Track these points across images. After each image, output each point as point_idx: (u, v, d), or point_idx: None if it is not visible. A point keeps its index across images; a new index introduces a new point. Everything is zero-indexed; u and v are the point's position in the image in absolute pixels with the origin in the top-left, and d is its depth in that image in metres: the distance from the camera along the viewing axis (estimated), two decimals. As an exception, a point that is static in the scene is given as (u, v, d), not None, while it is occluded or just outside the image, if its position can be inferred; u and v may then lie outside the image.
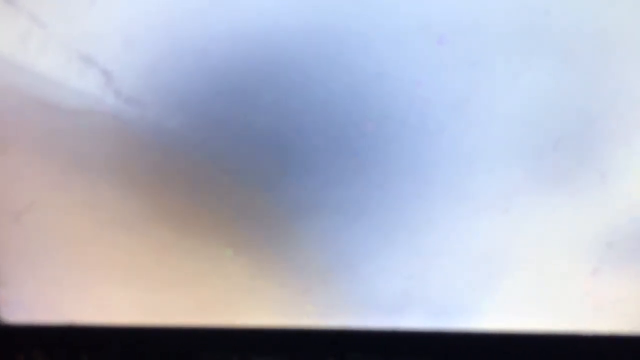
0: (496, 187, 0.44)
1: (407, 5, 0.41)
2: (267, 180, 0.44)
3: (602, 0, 0.40)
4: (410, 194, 0.44)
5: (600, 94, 0.42)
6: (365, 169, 0.43)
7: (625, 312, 0.46)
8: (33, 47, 0.41)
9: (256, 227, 0.45)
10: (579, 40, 0.41)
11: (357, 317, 0.46)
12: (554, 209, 0.44)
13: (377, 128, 0.43)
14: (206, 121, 0.43)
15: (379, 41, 0.41)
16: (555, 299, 0.46)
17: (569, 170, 0.43)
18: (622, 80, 0.41)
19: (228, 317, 0.47)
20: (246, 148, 0.43)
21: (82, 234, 0.45)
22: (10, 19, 0.41)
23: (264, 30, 0.41)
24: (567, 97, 0.42)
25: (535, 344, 0.46)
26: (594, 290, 0.45)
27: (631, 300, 0.46)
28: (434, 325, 0.46)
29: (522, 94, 0.42)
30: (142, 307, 0.47)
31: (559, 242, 0.45)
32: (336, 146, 0.43)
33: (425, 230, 0.45)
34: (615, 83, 0.41)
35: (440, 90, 0.42)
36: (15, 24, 0.41)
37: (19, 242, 0.45)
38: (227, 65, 0.42)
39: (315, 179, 0.44)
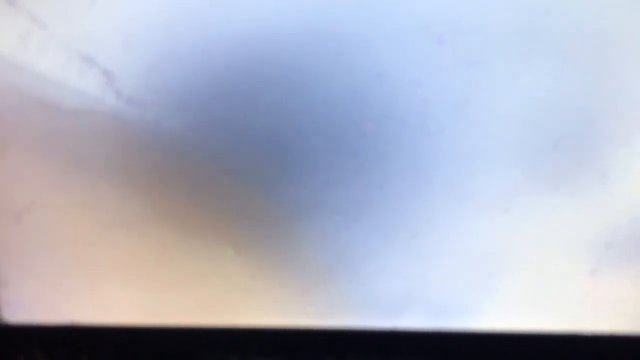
0: (496, 187, 0.44)
1: (407, 5, 0.41)
2: (267, 180, 0.44)
3: (601, 1, 0.40)
4: (410, 194, 0.44)
5: (600, 94, 0.42)
6: (365, 169, 0.43)
7: (625, 312, 0.46)
8: (33, 47, 0.41)
9: (256, 227, 0.45)
10: (578, 40, 0.41)
11: (357, 317, 0.46)
12: (554, 209, 0.44)
13: (377, 128, 0.43)
14: (206, 121, 0.43)
15: (378, 41, 0.41)
16: (554, 299, 0.46)
17: (569, 171, 0.43)
18: (622, 81, 0.41)
19: (228, 317, 0.47)
20: (246, 148, 0.43)
21: (82, 234, 0.45)
22: (10, 19, 0.41)
23: (264, 31, 0.41)
24: (567, 97, 0.42)
25: (535, 344, 0.46)
26: (594, 290, 0.45)
27: (630, 300, 0.46)
28: (434, 325, 0.46)
29: (522, 94, 0.42)
30: (143, 307, 0.47)
31: (558, 242, 0.45)
32: (336, 146, 0.43)
33: (425, 230, 0.45)
34: (615, 83, 0.41)
35: (440, 91, 0.42)
36: (15, 24, 0.41)
37: (19, 242, 0.45)
38: (227, 65, 0.42)
39: (315, 179, 0.44)
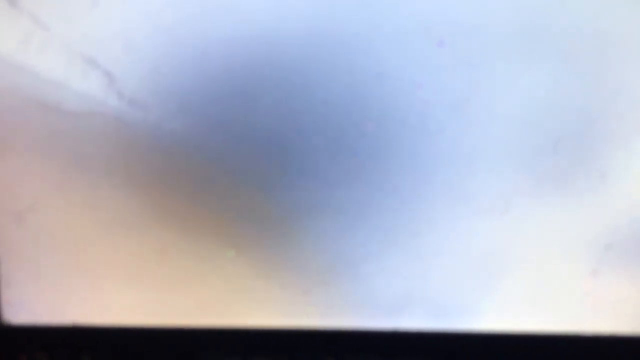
0: (496, 188, 0.44)
1: (407, 7, 0.41)
2: (268, 181, 0.44)
3: (601, 2, 0.40)
4: (411, 194, 0.44)
5: (600, 94, 0.42)
6: (366, 170, 0.44)
7: (625, 313, 0.46)
8: (35, 49, 0.42)
9: (257, 228, 0.45)
10: (578, 41, 0.41)
11: (357, 317, 0.46)
12: (554, 209, 0.44)
13: (377, 129, 0.43)
14: (207, 123, 0.43)
15: (378, 42, 0.41)
16: (554, 299, 0.46)
17: (569, 171, 0.43)
18: (622, 81, 0.41)
19: (229, 318, 0.47)
20: (247, 149, 0.43)
21: (84, 235, 0.45)
22: (12, 20, 0.41)
23: (265, 32, 0.41)
24: (567, 98, 0.42)
25: (535, 344, 0.46)
26: (594, 290, 0.45)
27: (630, 300, 0.45)
28: (435, 325, 0.46)
29: (521, 94, 0.42)
30: (144, 308, 0.47)
31: (558, 242, 0.45)
32: (336, 147, 0.43)
33: (425, 230, 0.45)
34: (614, 83, 0.41)
35: (440, 91, 0.42)
36: (17, 25, 0.41)
37: (20, 243, 0.45)
38: (228, 67, 0.42)
39: (316, 179, 0.44)
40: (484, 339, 0.46)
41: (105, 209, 0.45)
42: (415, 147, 0.43)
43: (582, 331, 0.46)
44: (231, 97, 0.42)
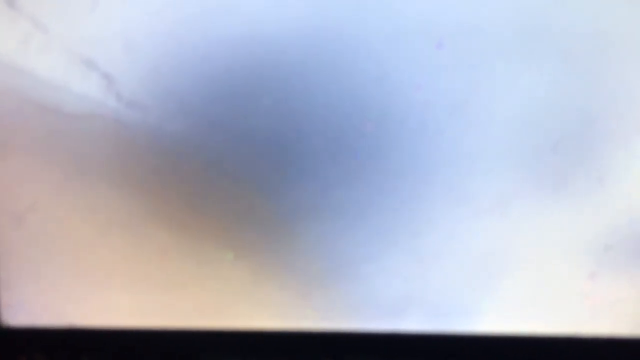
0: (496, 189, 0.44)
1: (407, 8, 0.41)
2: (267, 183, 0.44)
3: (601, 3, 0.40)
4: (410, 195, 0.44)
5: (599, 95, 0.42)
6: (365, 171, 0.44)
7: (624, 314, 0.46)
8: (34, 50, 0.42)
9: (256, 230, 0.45)
10: (577, 42, 0.41)
11: (356, 319, 0.46)
12: (553, 210, 0.44)
13: (377, 130, 0.43)
14: (206, 124, 0.43)
15: (378, 44, 0.41)
16: (554, 300, 0.46)
17: (568, 172, 0.43)
18: (621, 82, 0.41)
19: (228, 320, 0.47)
20: (246, 151, 0.43)
21: (83, 236, 0.45)
22: (11, 22, 0.41)
23: (265, 34, 0.41)
24: (566, 99, 0.42)
25: (535, 346, 0.46)
26: (593, 292, 0.45)
27: (629, 302, 0.45)
28: (434, 327, 0.46)
29: (521, 96, 0.42)
30: (143, 310, 0.47)
31: (558, 244, 0.45)
32: (336, 148, 0.43)
33: (425, 231, 0.45)
34: (614, 84, 0.42)
35: (440, 92, 0.42)
36: (16, 27, 0.41)
37: (20, 245, 0.45)
38: (228, 68, 0.42)
39: (315, 181, 0.44)
40: (484, 341, 0.46)
41: (105, 211, 0.45)
42: (414, 148, 0.43)
43: (581, 332, 0.46)
44: (231, 99, 0.42)
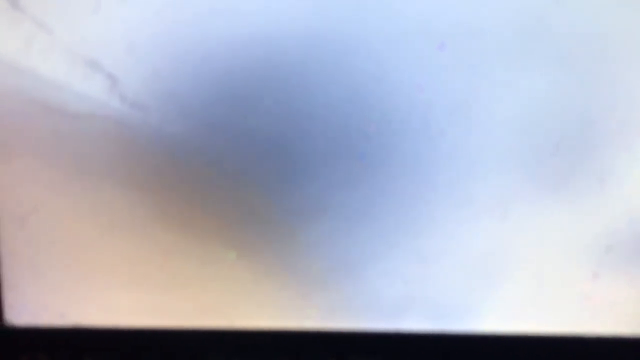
0: (497, 190, 0.44)
1: (408, 10, 0.41)
2: (270, 184, 0.44)
3: (601, 4, 0.40)
4: (412, 197, 0.44)
5: (600, 96, 0.42)
6: (367, 173, 0.44)
7: (625, 314, 0.46)
8: (38, 52, 0.42)
9: (258, 230, 0.45)
10: (578, 43, 0.41)
11: (358, 319, 0.46)
12: (554, 212, 0.44)
13: (379, 131, 0.43)
14: (209, 125, 0.43)
15: (380, 45, 0.41)
16: (555, 301, 0.46)
17: (569, 174, 0.43)
18: (622, 83, 0.42)
19: (231, 320, 0.47)
20: (248, 152, 0.43)
21: (86, 237, 0.45)
22: (15, 23, 0.41)
23: (266, 35, 0.41)
24: (567, 100, 0.42)
25: (536, 346, 0.46)
26: (594, 292, 0.45)
27: (630, 302, 0.46)
28: (436, 327, 0.46)
29: (522, 97, 0.42)
30: (145, 310, 0.47)
31: (559, 245, 0.45)
32: (337, 149, 0.43)
33: (426, 232, 0.45)
34: (614, 86, 0.42)
35: (441, 94, 0.42)
36: (20, 28, 0.41)
37: (23, 245, 0.45)
38: (230, 69, 0.42)
39: (317, 182, 0.44)
40: (485, 341, 0.46)
41: (107, 211, 0.45)
42: (416, 149, 0.43)
43: (583, 333, 0.46)
44: (233, 100, 0.42)
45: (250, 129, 0.43)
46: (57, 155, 0.44)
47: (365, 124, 0.43)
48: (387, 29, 0.41)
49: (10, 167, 0.44)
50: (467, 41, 0.41)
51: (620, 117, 0.42)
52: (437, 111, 0.42)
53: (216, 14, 0.41)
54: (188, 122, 0.43)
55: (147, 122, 0.43)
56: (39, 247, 0.45)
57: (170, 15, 0.41)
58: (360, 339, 0.47)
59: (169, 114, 0.43)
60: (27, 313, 0.47)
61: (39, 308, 0.47)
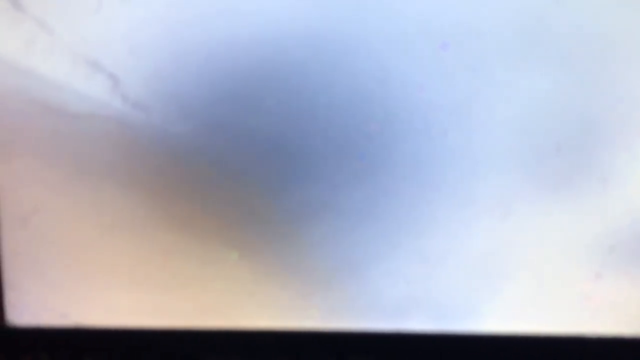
0: (499, 191, 0.44)
1: (410, 10, 0.41)
2: (271, 184, 0.44)
3: (601, 4, 0.40)
4: (414, 197, 0.44)
5: (602, 97, 0.42)
6: (369, 172, 0.44)
7: (628, 315, 0.46)
8: (40, 52, 0.42)
9: (260, 230, 0.45)
10: (580, 43, 0.41)
11: (360, 320, 0.46)
12: (556, 212, 0.44)
13: (380, 131, 0.43)
14: (211, 125, 0.43)
15: (382, 45, 0.41)
16: (557, 301, 0.46)
17: (571, 174, 0.43)
18: (623, 85, 0.42)
19: (232, 320, 0.47)
20: (251, 152, 0.43)
21: (87, 237, 0.45)
22: (17, 24, 0.41)
23: (268, 36, 0.41)
24: (569, 101, 0.42)
25: (538, 346, 0.46)
26: (597, 293, 0.45)
27: (633, 302, 0.46)
28: (438, 328, 0.46)
29: (524, 98, 0.42)
30: (147, 310, 0.47)
31: (561, 245, 0.45)
32: (340, 149, 0.43)
33: (428, 233, 0.45)
34: (616, 86, 0.42)
35: (444, 94, 0.42)
36: (22, 28, 0.41)
37: (25, 245, 0.45)
38: (232, 70, 0.42)
39: (319, 182, 0.44)
40: (487, 341, 0.46)
41: (109, 212, 0.45)
42: (418, 149, 0.43)
43: (585, 333, 0.46)
44: (235, 100, 0.42)
45: (252, 129, 0.43)
46: (58, 155, 0.44)
47: (366, 124, 0.43)
48: (388, 28, 0.41)
49: (11, 167, 0.44)
50: (468, 41, 0.41)
51: (622, 116, 0.42)
52: (438, 111, 0.42)
53: (218, 14, 0.41)
54: (189, 122, 0.43)
55: (149, 122, 0.43)
56: (40, 247, 0.45)
57: (171, 16, 0.41)
58: (362, 339, 0.47)
59: (170, 114, 0.43)
60: (28, 313, 0.47)
61: (40, 308, 0.47)
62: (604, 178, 0.43)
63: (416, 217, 0.44)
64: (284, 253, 0.45)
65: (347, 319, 0.46)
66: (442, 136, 0.43)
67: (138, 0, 0.41)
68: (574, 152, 0.43)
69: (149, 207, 0.45)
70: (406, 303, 0.46)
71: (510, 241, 0.45)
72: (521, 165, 0.43)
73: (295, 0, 0.41)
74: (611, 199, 0.44)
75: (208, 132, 0.43)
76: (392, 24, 0.41)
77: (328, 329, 0.47)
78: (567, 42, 0.41)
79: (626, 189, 0.43)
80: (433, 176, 0.44)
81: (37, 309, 0.47)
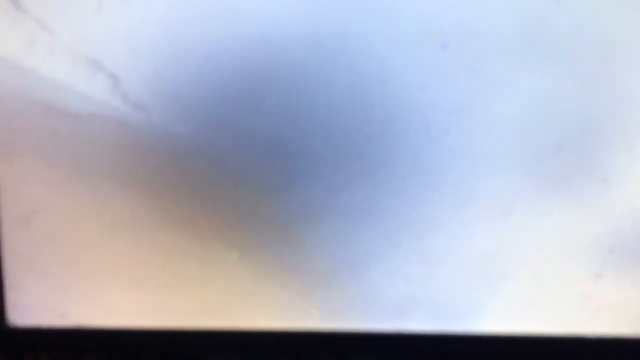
0: (499, 191, 0.44)
1: (411, 10, 0.41)
2: (272, 184, 0.44)
3: (601, 4, 0.40)
4: (415, 197, 0.44)
5: (602, 98, 0.42)
6: (369, 173, 0.44)
7: (628, 315, 0.46)
8: (40, 52, 0.42)
9: (261, 230, 0.45)
10: (580, 43, 0.41)
11: (361, 320, 0.46)
12: (556, 212, 0.44)
13: (381, 131, 0.43)
14: (211, 125, 0.43)
15: (382, 45, 0.41)
16: (557, 302, 0.46)
17: (572, 174, 0.43)
18: (624, 85, 0.42)
19: (233, 320, 0.47)
20: (251, 152, 0.43)
21: (88, 237, 0.45)
22: (17, 23, 0.41)
23: (269, 35, 0.41)
24: (570, 101, 0.42)
25: (538, 346, 0.46)
26: (597, 293, 0.45)
27: (634, 303, 0.46)
28: (438, 328, 0.46)
29: (524, 98, 0.42)
30: (148, 310, 0.47)
31: (561, 245, 0.45)
32: (340, 150, 0.43)
33: (429, 233, 0.45)
34: (617, 86, 0.42)
35: (444, 94, 0.42)
36: (22, 28, 0.41)
37: (25, 245, 0.45)
38: (233, 69, 0.42)
39: (320, 182, 0.44)
40: (488, 341, 0.46)
41: (110, 212, 0.45)
42: (419, 150, 0.43)
43: (586, 333, 0.46)
44: (235, 100, 0.42)
45: (252, 129, 0.43)
46: (58, 155, 0.44)
47: (367, 124, 0.43)
48: (389, 28, 0.41)
49: (11, 167, 0.44)
50: (468, 41, 0.41)
51: (623, 116, 0.42)
52: (438, 111, 0.42)
53: (218, 14, 0.41)
54: (190, 122, 0.43)
55: (149, 122, 0.43)
56: (40, 248, 0.46)
57: (172, 15, 0.41)
58: (362, 339, 0.47)
59: (170, 114, 0.43)
60: (29, 313, 0.47)
61: (41, 308, 0.47)
62: (604, 178, 0.43)
63: (416, 217, 0.44)
64: (284, 253, 0.45)
65: (347, 319, 0.46)
66: (443, 136, 0.43)
67: (138, 0, 0.41)
68: (575, 152, 0.43)
69: (149, 207, 0.45)
70: (406, 303, 0.46)
71: (510, 241, 0.45)
72: (521, 165, 0.43)
73: (295, 0, 0.41)
74: (611, 199, 0.44)
75: (208, 132, 0.43)
76: (392, 24, 0.41)
77: (328, 329, 0.47)
78: (567, 42, 0.41)
79: (626, 189, 0.43)
80: (433, 176, 0.44)
81: (37, 309, 0.47)
